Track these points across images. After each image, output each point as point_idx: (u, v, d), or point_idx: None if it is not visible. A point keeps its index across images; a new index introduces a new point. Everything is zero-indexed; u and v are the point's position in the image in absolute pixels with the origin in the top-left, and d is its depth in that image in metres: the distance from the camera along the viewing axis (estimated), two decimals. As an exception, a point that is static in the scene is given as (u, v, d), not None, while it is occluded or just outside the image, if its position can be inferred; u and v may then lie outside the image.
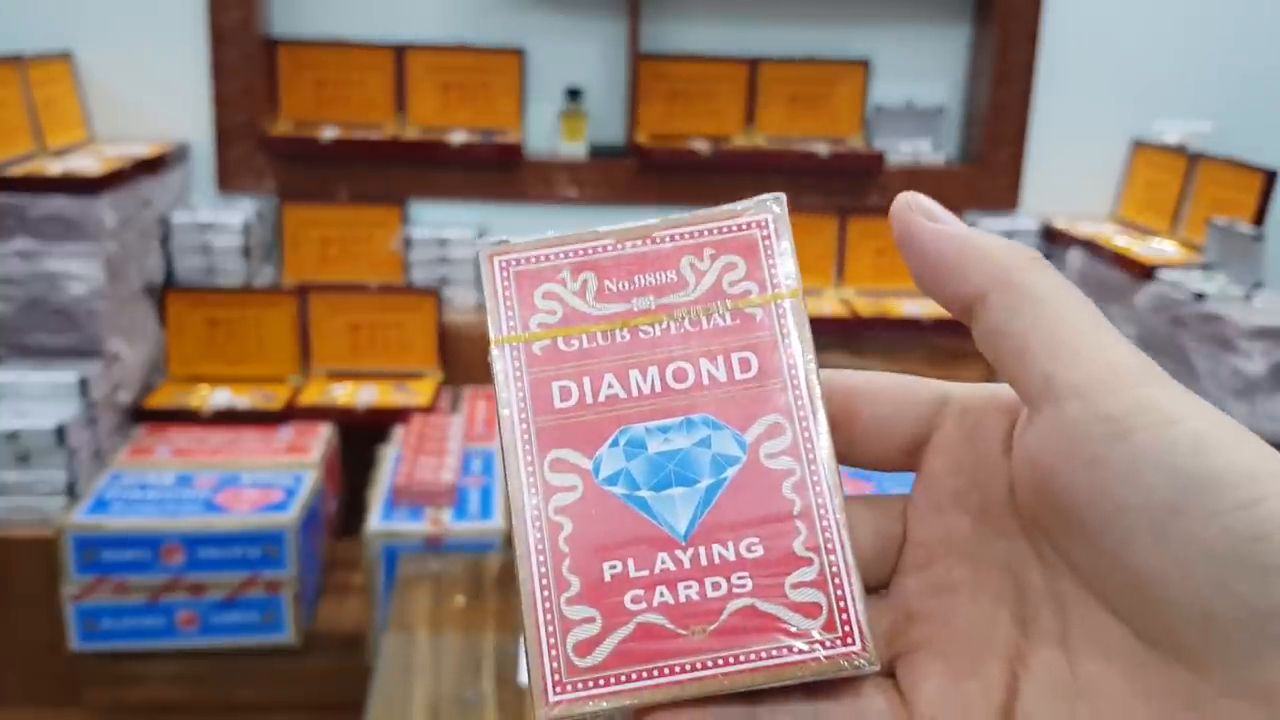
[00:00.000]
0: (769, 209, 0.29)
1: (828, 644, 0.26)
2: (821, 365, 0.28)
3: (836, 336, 2.06)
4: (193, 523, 1.55)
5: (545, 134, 2.19)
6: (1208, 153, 2.05)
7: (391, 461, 1.72)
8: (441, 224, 2.14)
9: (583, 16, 2.15)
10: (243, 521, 1.56)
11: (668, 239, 0.29)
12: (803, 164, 2.16)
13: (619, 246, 0.29)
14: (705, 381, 0.27)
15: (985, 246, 0.26)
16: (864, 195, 2.22)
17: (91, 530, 1.53)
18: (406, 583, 1.38)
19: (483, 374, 2.08)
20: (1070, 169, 2.26)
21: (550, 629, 0.26)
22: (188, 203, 2.09)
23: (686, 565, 0.26)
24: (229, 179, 2.11)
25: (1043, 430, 0.24)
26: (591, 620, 0.26)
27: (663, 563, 0.26)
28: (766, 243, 0.29)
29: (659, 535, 0.26)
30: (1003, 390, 0.27)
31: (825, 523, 0.26)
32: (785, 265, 0.28)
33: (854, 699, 0.26)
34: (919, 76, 2.25)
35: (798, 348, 0.28)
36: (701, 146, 2.14)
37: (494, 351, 0.28)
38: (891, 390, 0.28)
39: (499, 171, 2.13)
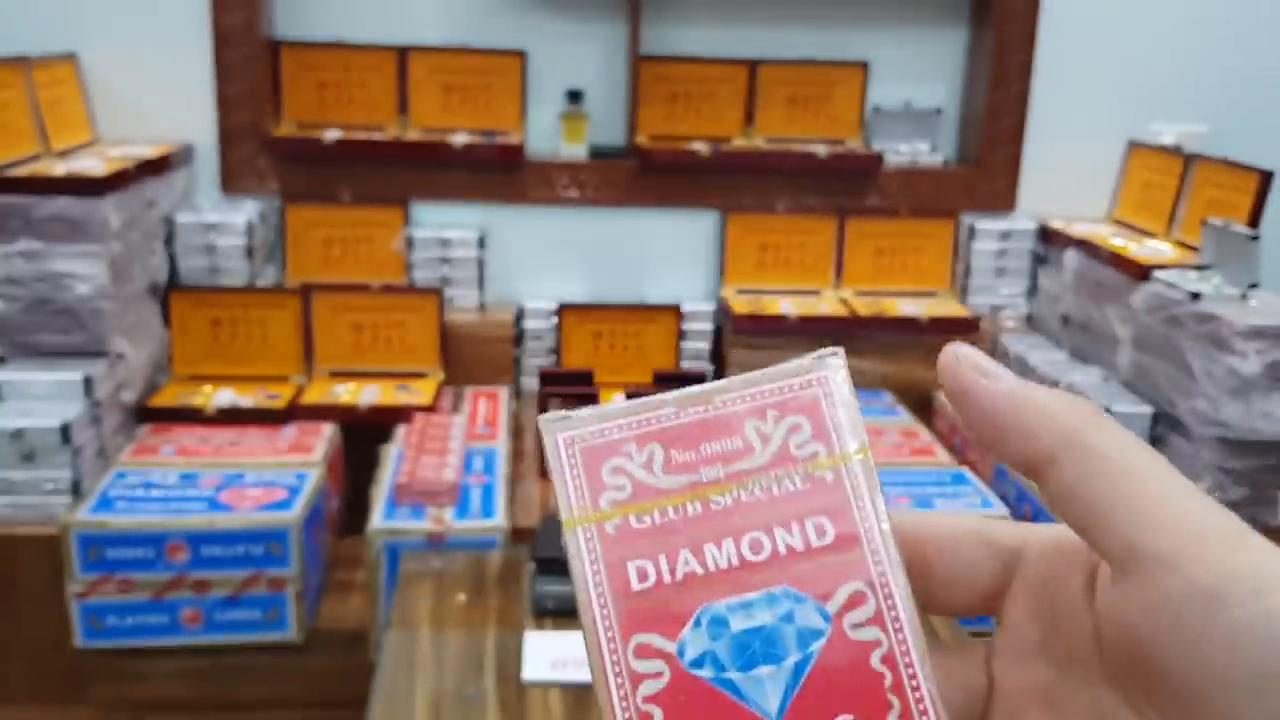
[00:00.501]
0: (827, 364, 0.28)
1: None
2: None
3: (836, 337, 2.07)
4: (196, 521, 1.56)
5: (546, 135, 2.20)
6: (1203, 154, 2.05)
7: (394, 460, 1.73)
8: (443, 225, 2.16)
9: (583, 19, 2.16)
10: (246, 519, 1.57)
11: (729, 403, 0.28)
12: (802, 165, 2.17)
13: (681, 414, 0.28)
14: (782, 552, 0.27)
15: (1045, 404, 0.25)
16: (863, 196, 2.23)
17: (96, 528, 1.54)
18: (408, 580, 1.39)
19: (483, 374, 2.10)
20: (1067, 170, 2.27)
21: None
22: (191, 203, 2.10)
23: None
24: (232, 180, 2.12)
25: (1132, 596, 0.24)
26: None
27: None
28: (829, 400, 0.28)
29: (751, 718, 0.26)
30: (1075, 536, 0.27)
31: (918, 695, 0.26)
32: (850, 421, 0.28)
33: None
34: (917, 78, 2.26)
35: (871, 509, 0.27)
36: (701, 148, 2.15)
37: (566, 535, 0.27)
38: (966, 538, 0.28)
39: (500, 172, 2.15)
